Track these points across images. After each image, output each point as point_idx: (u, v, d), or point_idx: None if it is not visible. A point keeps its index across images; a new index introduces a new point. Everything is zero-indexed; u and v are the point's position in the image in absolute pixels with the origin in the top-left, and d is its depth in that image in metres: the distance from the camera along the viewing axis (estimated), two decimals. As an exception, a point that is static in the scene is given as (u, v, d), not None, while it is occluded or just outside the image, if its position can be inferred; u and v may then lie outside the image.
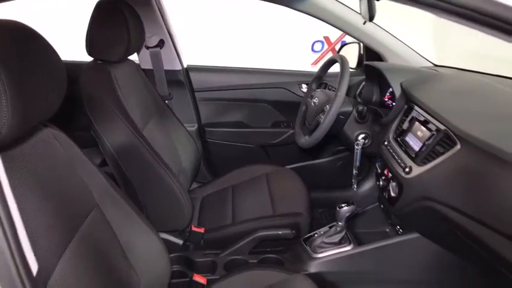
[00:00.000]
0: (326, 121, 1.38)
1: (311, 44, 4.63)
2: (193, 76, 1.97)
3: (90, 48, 1.31)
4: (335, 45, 4.55)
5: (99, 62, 1.35)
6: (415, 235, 1.28)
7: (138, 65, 1.60)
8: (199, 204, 1.70)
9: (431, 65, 1.81)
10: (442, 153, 1.04)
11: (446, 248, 1.24)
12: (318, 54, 4.64)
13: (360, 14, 1.25)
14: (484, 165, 0.91)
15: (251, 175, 1.79)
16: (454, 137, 1.01)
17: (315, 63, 4.57)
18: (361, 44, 1.95)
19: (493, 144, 0.90)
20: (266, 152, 2.11)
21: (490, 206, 0.88)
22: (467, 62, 1.76)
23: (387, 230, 1.54)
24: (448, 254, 1.25)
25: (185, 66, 1.96)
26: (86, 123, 1.28)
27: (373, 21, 1.39)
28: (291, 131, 2.01)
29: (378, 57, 1.84)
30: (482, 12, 0.60)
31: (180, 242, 1.50)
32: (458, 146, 0.99)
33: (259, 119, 2.09)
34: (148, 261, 1.07)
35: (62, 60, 0.82)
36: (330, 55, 4.54)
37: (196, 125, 2.01)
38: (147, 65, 1.82)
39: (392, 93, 1.57)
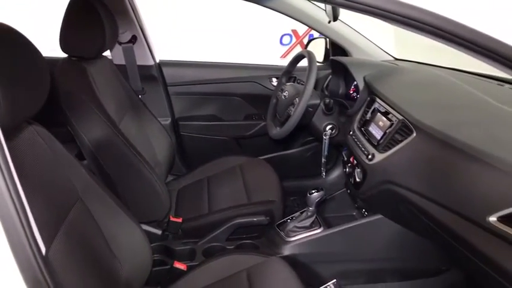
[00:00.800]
0: (296, 113, 1.47)
1: (279, 37, 4.72)
2: (165, 71, 2.01)
3: (65, 45, 1.32)
4: (303, 38, 4.66)
5: (73, 58, 1.37)
6: (378, 216, 1.40)
7: (111, 61, 1.63)
8: (176, 196, 1.75)
9: (392, 58, 1.93)
10: (401, 141, 1.15)
11: (406, 226, 1.36)
12: (287, 47, 4.73)
13: (325, 11, 1.34)
14: (436, 150, 1.03)
15: (225, 166, 1.85)
16: (411, 126, 1.13)
17: (284, 56, 4.66)
18: (328, 39, 2.04)
19: (443, 131, 1.01)
20: (239, 144, 2.18)
21: (442, 186, 0.99)
22: (425, 55, 1.89)
23: (354, 213, 1.65)
24: (408, 232, 1.37)
25: (157, 61, 1.99)
26: (60, 119, 1.30)
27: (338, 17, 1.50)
28: (263, 123, 2.09)
29: (343, 51, 1.94)
30: (392, 11, 0.67)
31: (159, 232, 1.55)
32: (414, 134, 1.11)
33: (231, 112, 2.15)
34: (131, 251, 1.12)
35: (44, 59, 0.85)
36: (298, 48, 4.66)
37: (170, 119, 2.05)
38: (120, 60, 1.84)
39: (356, 86, 1.67)
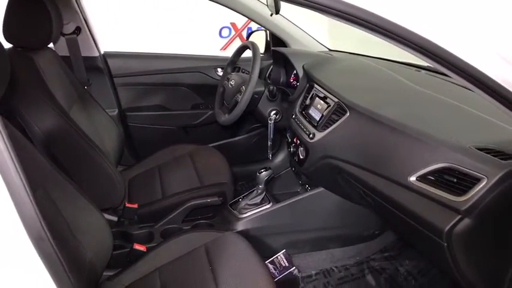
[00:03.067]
0: (243, 100, 1.58)
1: (219, 30, 4.78)
2: (111, 62, 2.01)
3: (10, 35, 1.30)
4: (242, 31, 4.76)
5: (19, 49, 1.36)
6: (320, 190, 1.57)
7: (56, 52, 1.61)
8: (127, 186, 1.78)
9: (327, 49, 2.12)
10: (337, 120, 1.32)
11: (344, 196, 1.54)
12: (226, 40, 4.81)
13: (267, 6, 1.45)
14: (365, 126, 1.20)
15: (175, 155, 1.91)
16: (345, 107, 1.29)
17: (224, 48, 4.73)
18: (268, 32, 2.17)
19: (371, 110, 1.19)
20: (187, 132, 2.25)
21: (371, 156, 1.17)
22: (355, 46, 2.10)
23: (298, 189, 1.81)
24: (346, 202, 1.56)
25: (102, 52, 1.99)
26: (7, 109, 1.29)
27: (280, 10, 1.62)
28: (210, 112, 2.17)
29: (283, 43, 2.08)
30: (336, 9, 0.78)
31: (115, 219, 1.58)
32: (348, 114, 1.28)
33: (178, 102, 2.20)
34: (93, 235, 1.16)
35: (4, 49, 0.88)
36: (237, 40, 4.76)
37: (117, 110, 2.06)
38: (64, 52, 1.82)
39: (296, 74, 1.83)
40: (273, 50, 1.87)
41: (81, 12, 1.79)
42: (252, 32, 2.32)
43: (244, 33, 4.73)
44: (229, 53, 1.87)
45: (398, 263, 1.66)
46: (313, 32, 2.14)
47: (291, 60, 1.69)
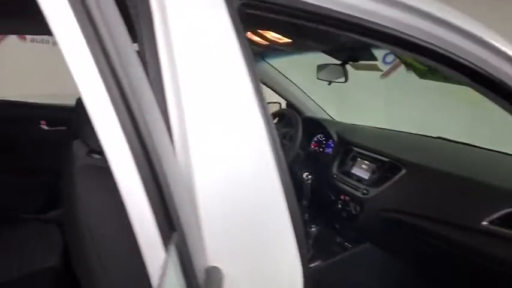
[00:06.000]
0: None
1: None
2: None
3: None
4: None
5: None
6: (364, 246, 1.65)
7: None
8: None
9: (332, 119, 2.34)
10: (391, 177, 1.47)
11: (392, 250, 1.61)
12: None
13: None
14: (427, 179, 1.37)
15: None
16: (399, 164, 1.46)
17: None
18: (281, 104, 2.36)
19: (429, 165, 1.38)
20: None
21: (439, 206, 1.32)
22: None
23: (334, 248, 1.85)
24: (392, 260, 1.62)
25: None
26: None
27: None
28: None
29: (297, 111, 2.27)
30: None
31: None
32: (404, 171, 1.44)
33: None
34: None
35: None
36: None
37: None
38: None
39: (319, 140, 2.00)
40: (305, 118, 2.05)
41: None
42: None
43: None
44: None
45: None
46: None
47: (326, 126, 1.88)
